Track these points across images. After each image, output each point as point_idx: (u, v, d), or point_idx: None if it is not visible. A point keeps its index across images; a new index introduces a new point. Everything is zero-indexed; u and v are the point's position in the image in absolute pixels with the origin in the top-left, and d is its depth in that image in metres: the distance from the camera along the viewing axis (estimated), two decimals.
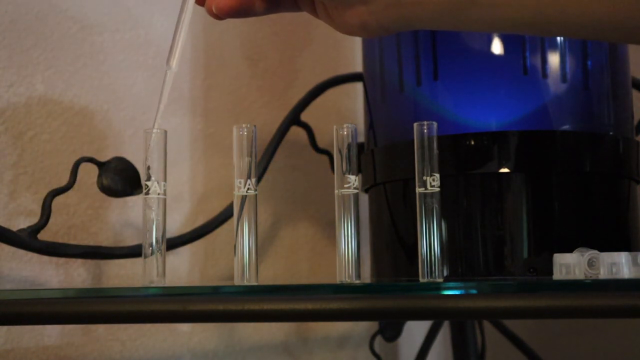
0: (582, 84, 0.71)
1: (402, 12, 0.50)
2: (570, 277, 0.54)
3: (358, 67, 0.96)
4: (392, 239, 0.74)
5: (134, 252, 0.75)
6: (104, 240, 0.80)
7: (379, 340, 0.96)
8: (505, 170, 0.68)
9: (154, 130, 0.54)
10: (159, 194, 0.53)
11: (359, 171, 0.68)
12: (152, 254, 0.53)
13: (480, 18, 0.48)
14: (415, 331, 1.06)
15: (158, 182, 0.53)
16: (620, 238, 0.71)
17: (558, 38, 0.71)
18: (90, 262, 0.78)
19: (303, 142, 0.93)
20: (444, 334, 1.04)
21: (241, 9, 0.53)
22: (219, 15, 0.53)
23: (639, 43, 0.49)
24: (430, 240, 0.53)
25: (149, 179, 0.53)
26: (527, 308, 0.45)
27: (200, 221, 0.85)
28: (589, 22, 0.46)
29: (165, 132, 0.54)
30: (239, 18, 0.54)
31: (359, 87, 1.03)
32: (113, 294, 0.53)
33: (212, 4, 0.53)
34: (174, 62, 0.55)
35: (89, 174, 0.75)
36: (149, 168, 0.53)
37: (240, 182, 0.54)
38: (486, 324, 0.97)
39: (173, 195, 0.87)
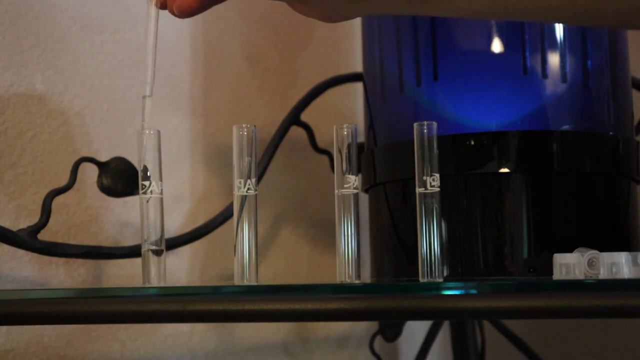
0: (582, 84, 0.71)
1: (363, 6, 0.52)
2: (570, 277, 0.54)
3: (358, 67, 0.96)
4: (392, 239, 0.74)
5: (134, 252, 0.75)
6: (104, 240, 0.80)
7: (379, 340, 0.96)
8: (505, 170, 0.68)
9: (147, 132, 0.54)
10: (156, 193, 0.53)
11: (359, 171, 0.68)
12: (150, 253, 0.53)
13: (441, 9, 0.51)
14: (415, 331, 1.06)
15: (154, 182, 0.53)
16: (620, 238, 0.71)
17: (558, 38, 0.71)
18: (90, 262, 0.78)
19: (303, 142, 0.93)
20: (444, 334, 1.04)
21: (201, 6, 0.54)
22: (181, 17, 0.54)
23: (598, 26, 0.51)
24: (430, 240, 0.53)
25: (145, 178, 0.53)
26: (527, 308, 0.45)
27: (200, 221, 0.85)
28: (549, 6, 0.48)
29: (159, 132, 0.54)
30: (200, 13, 0.55)
31: (359, 87, 1.03)
32: (113, 294, 0.54)
33: (173, 6, 0.54)
34: (149, 89, 0.56)
35: (89, 174, 0.75)
36: (144, 168, 0.53)
37: (240, 182, 0.54)
38: (486, 324, 0.97)
39: (173, 195, 0.87)
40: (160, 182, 0.54)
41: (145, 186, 0.53)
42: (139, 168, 0.53)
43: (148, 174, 0.53)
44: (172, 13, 0.55)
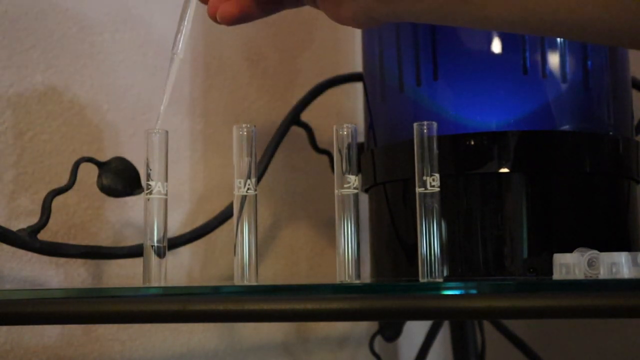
0: (582, 84, 0.71)
1: (392, 8, 0.50)
2: (570, 277, 0.54)
3: (358, 67, 0.96)
4: (392, 239, 0.74)
5: (134, 252, 0.75)
6: (104, 240, 0.80)
7: (379, 340, 0.96)
8: (505, 170, 0.68)
9: (155, 131, 0.54)
10: (160, 194, 0.53)
11: (359, 171, 0.68)
12: (153, 254, 0.53)
13: (470, 16, 0.49)
14: (415, 331, 1.06)
15: (160, 182, 0.53)
16: (620, 238, 0.71)
17: (558, 38, 0.71)
18: (90, 262, 0.78)
19: (303, 142, 0.93)
20: (444, 334, 1.04)
21: (243, 16, 0.54)
22: (222, 23, 0.54)
23: (633, 48, 0.49)
24: (430, 240, 0.53)
25: (150, 178, 0.53)
26: (527, 308, 0.45)
27: (200, 221, 0.85)
28: (582, 24, 0.46)
29: (167, 132, 0.54)
30: (243, 23, 0.55)
31: (359, 87, 1.03)
32: (113, 294, 0.54)
33: (216, 12, 0.54)
34: (180, 48, 0.55)
35: (89, 174, 0.75)
36: (150, 168, 0.53)
37: (240, 182, 0.54)
38: (486, 324, 0.97)
39: (173, 195, 0.87)
40: (165, 183, 0.54)
41: (150, 186, 0.53)
42: (145, 168, 0.54)
43: (153, 174, 0.53)
44: (213, 19, 0.54)
